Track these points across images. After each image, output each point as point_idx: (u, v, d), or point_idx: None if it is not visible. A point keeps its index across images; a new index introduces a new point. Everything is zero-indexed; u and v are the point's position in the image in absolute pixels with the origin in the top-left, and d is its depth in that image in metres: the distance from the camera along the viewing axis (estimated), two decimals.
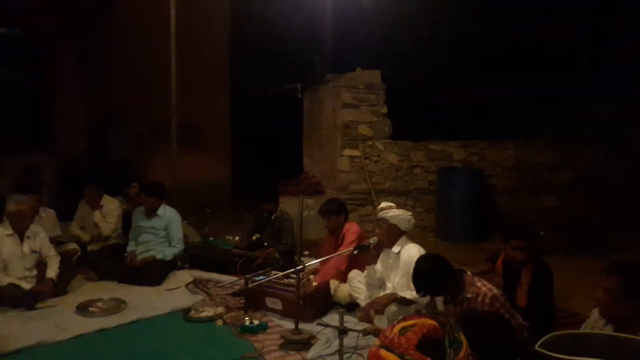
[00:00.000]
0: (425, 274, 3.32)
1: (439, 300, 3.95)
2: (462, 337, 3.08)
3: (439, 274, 3.31)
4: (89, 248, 5.84)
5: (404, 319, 3.31)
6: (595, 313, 2.70)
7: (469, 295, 3.27)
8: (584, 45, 8.96)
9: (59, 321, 4.18)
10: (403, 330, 3.13)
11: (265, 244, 5.75)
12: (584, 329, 2.74)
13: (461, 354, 3.01)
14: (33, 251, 4.73)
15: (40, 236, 4.81)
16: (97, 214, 5.99)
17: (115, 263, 5.44)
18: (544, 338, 2.06)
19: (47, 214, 5.71)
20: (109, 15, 8.92)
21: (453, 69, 9.53)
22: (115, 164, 9.09)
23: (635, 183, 7.93)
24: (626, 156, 8.36)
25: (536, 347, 2.02)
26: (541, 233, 6.77)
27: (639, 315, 2.37)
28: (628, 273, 2.43)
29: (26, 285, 4.53)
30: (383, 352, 3.05)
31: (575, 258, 6.28)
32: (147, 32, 8.33)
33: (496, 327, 2.88)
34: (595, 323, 2.67)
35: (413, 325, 3.13)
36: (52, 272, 4.74)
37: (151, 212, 5.56)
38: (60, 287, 4.79)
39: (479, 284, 3.31)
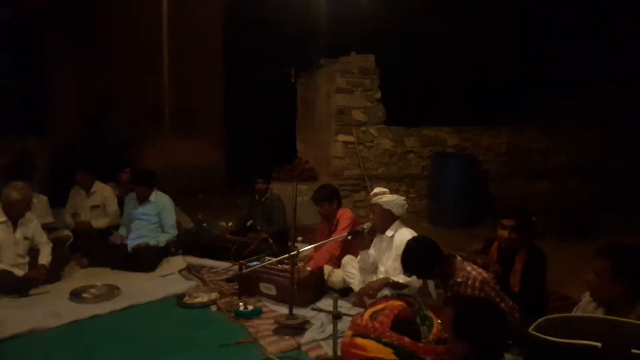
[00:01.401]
0: (412, 254, 3.38)
1: (431, 285, 3.99)
2: (431, 314, 3.13)
3: (426, 255, 3.36)
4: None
5: (372, 305, 3.33)
6: (586, 296, 2.72)
7: (458, 280, 3.30)
8: (577, 23, 8.88)
9: (53, 308, 4.17)
10: (374, 315, 3.16)
11: (259, 227, 5.77)
12: (576, 312, 2.76)
13: (434, 330, 3.07)
14: (25, 238, 4.70)
15: (32, 223, 4.78)
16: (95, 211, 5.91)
17: (108, 250, 5.42)
18: (537, 322, 2.07)
19: (39, 200, 5.64)
20: None
21: (447, 54, 9.49)
22: (108, 148, 8.98)
23: (632, 165, 7.94)
24: (622, 138, 8.38)
25: (530, 330, 2.03)
26: (533, 218, 6.79)
27: (628, 297, 2.38)
28: (618, 254, 2.43)
29: (19, 272, 4.51)
30: (359, 340, 3.07)
31: (568, 242, 6.31)
32: (140, 14, 8.22)
33: (486, 312, 2.90)
34: (586, 306, 2.69)
35: (383, 309, 3.16)
36: (44, 258, 4.72)
37: (143, 199, 5.54)
38: (53, 274, 4.77)
39: (468, 268, 3.35)
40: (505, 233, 3.75)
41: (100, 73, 8.94)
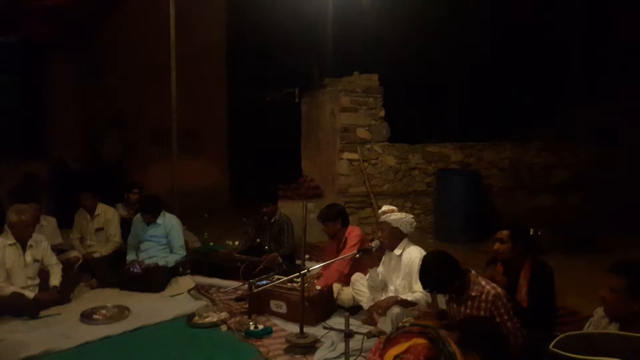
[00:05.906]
0: (432, 270, 3.34)
1: (441, 302, 3.99)
2: (454, 347, 3.02)
3: (446, 269, 3.33)
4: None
5: (390, 343, 3.12)
6: (599, 311, 2.73)
7: (473, 294, 3.30)
8: (578, 45, 9.03)
9: (64, 329, 4.19)
10: (398, 359, 3.04)
11: (266, 247, 5.77)
12: (588, 327, 2.77)
13: None
14: (35, 260, 4.72)
15: (42, 245, 4.80)
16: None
17: (117, 270, 5.43)
18: (557, 339, 2.09)
19: (48, 222, 5.70)
20: (108, 21, 8.88)
21: (448, 72, 9.61)
22: (108, 167, 8.96)
23: (630, 181, 8.01)
24: (621, 155, 8.46)
25: (551, 347, 2.05)
26: (539, 232, 6.83)
27: None
28: (634, 272, 2.48)
29: (29, 294, 4.52)
30: None
31: (573, 257, 6.35)
32: (146, 37, 8.34)
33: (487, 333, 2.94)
34: (599, 321, 2.70)
35: (406, 352, 3.03)
36: (55, 280, 4.75)
37: (150, 222, 5.56)
38: (63, 295, 4.79)
39: (482, 282, 3.35)
40: (504, 246, 3.73)
41: (105, 95, 9.04)
